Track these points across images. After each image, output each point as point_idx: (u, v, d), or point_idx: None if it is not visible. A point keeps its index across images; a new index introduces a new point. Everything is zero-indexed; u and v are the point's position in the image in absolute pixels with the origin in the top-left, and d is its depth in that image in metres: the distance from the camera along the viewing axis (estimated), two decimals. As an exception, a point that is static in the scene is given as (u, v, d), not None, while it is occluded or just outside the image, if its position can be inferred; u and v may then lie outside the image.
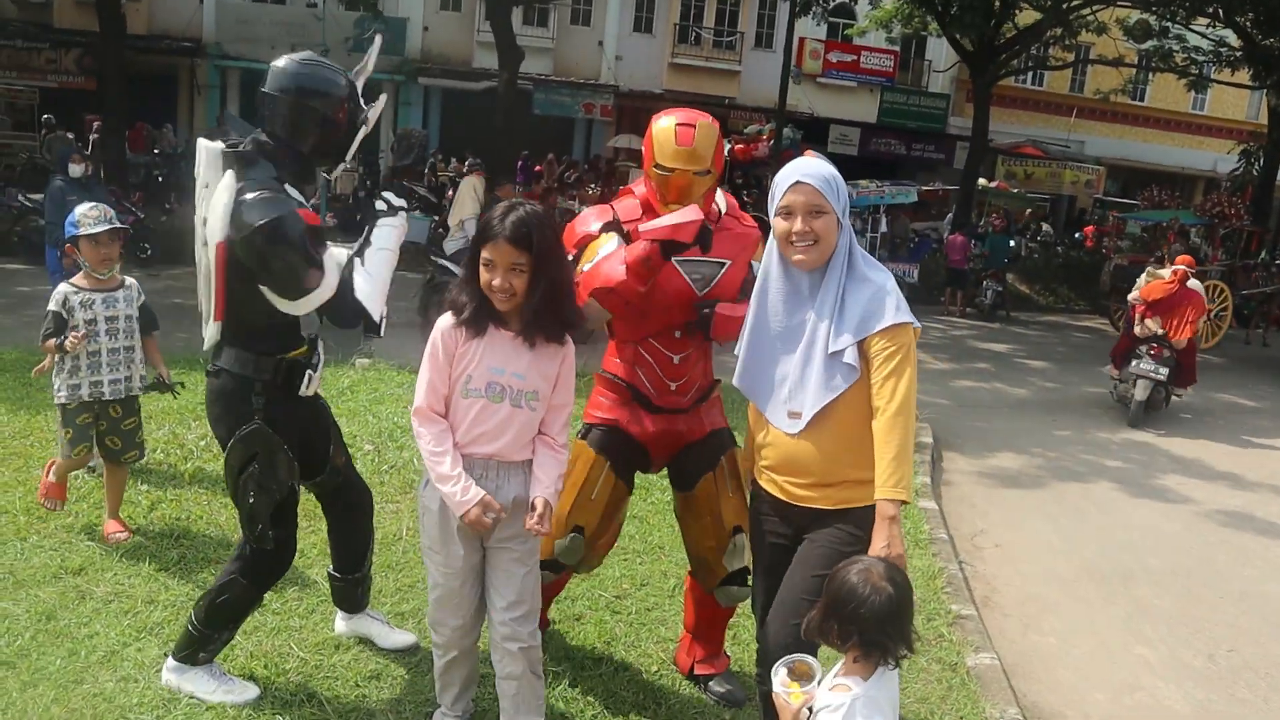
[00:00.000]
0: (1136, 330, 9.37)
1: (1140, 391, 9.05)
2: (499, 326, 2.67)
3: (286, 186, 2.92)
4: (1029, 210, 24.40)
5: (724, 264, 3.13)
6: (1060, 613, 4.85)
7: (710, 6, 26.39)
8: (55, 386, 4.23)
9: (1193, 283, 9.37)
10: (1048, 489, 6.90)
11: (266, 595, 3.24)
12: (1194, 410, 10.04)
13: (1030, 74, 27.87)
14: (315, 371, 3.08)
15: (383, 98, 3.26)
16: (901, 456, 2.44)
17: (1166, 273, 9.55)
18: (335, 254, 3.01)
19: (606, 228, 3.11)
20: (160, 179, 18.08)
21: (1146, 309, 9.34)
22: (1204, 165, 29.97)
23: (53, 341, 4.12)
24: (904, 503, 2.46)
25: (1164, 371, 9.03)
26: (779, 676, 2.20)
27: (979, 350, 12.96)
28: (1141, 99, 29.45)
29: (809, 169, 2.56)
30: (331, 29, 21.32)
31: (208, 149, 2.91)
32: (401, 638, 3.54)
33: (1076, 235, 24.77)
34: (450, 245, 10.02)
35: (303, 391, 3.04)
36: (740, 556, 3.26)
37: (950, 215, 20.79)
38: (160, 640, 3.40)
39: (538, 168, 21.04)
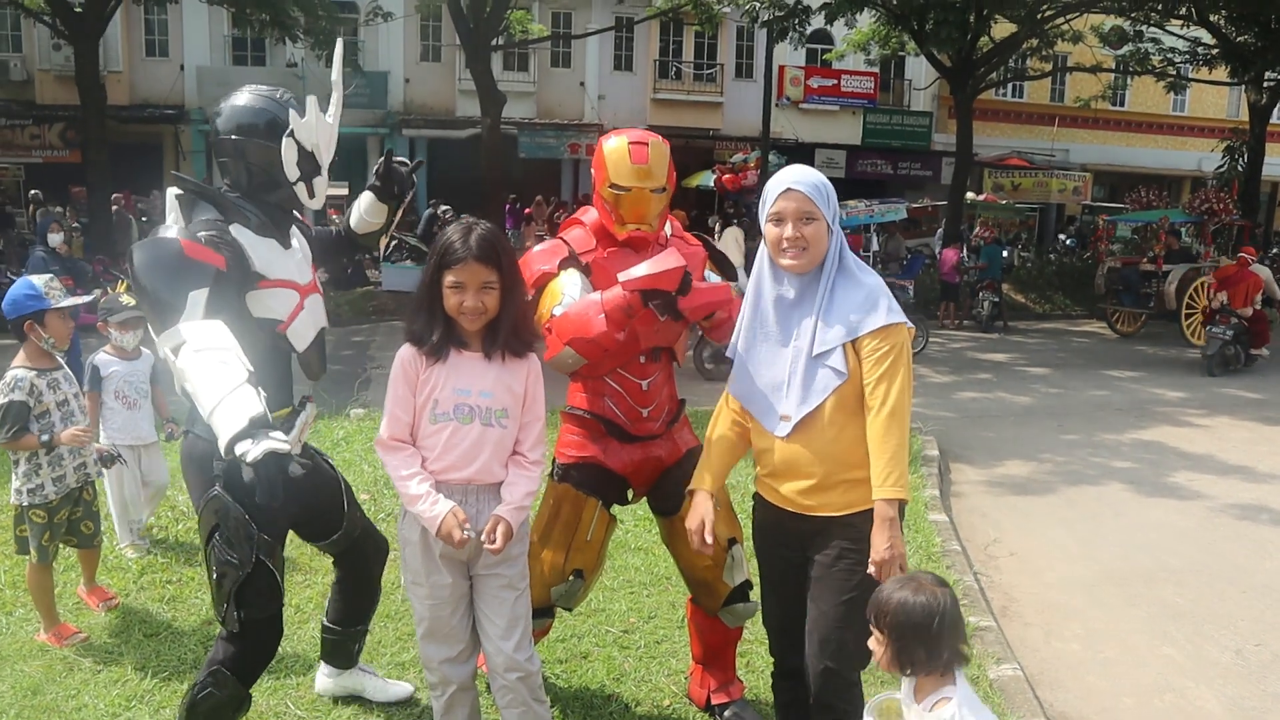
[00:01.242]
0: (1212, 304, 12.65)
1: (1210, 348, 11.96)
2: (460, 349, 2.62)
3: (234, 227, 2.72)
4: (1018, 220, 24.43)
5: None
6: (1082, 618, 4.71)
7: (689, 41, 26.60)
8: (22, 488, 3.80)
9: (1255, 266, 12.55)
10: (1059, 494, 6.78)
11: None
12: (1200, 405, 9.93)
13: (1010, 86, 28.03)
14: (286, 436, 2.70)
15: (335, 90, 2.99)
16: (897, 456, 2.45)
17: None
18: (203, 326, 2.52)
19: (564, 263, 3.04)
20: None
21: (1217, 286, 12.50)
22: (1188, 165, 30.07)
23: (34, 437, 3.69)
24: (903, 501, 2.45)
25: (1229, 334, 11.81)
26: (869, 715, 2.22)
27: (979, 361, 12.87)
28: (1122, 104, 29.61)
29: (799, 176, 2.57)
30: (313, 87, 21.38)
31: (169, 196, 2.81)
32: (398, 689, 3.41)
33: (1069, 242, 24.79)
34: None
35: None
36: (741, 569, 3.20)
37: (940, 230, 20.81)
38: (151, 709, 3.28)
39: (526, 210, 21.09)
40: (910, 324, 2.56)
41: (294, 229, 3.01)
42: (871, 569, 2.44)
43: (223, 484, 2.70)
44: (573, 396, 3.21)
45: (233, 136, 2.78)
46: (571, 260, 3.05)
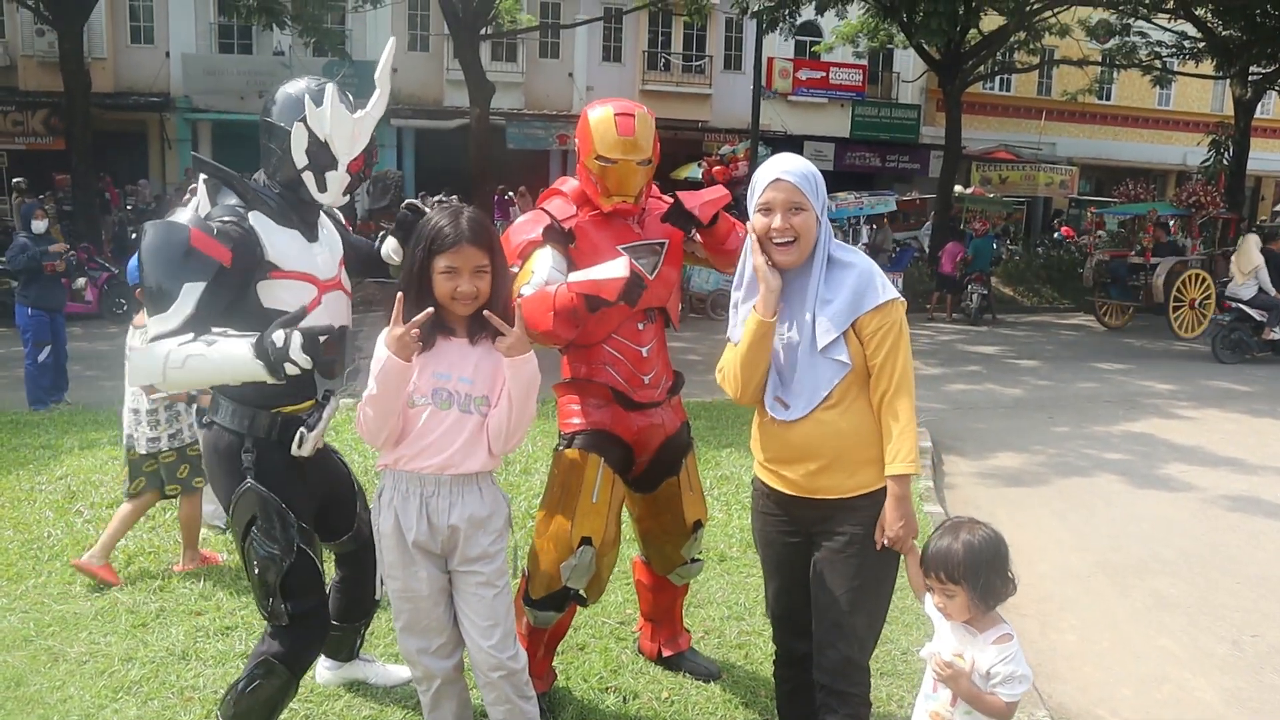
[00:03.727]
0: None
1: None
2: (446, 336, 2.57)
3: (253, 215, 2.68)
4: (1007, 214, 24.49)
5: (664, 244, 3.15)
6: (1077, 609, 4.70)
7: (677, 32, 26.51)
8: (160, 435, 4.35)
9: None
10: (1051, 485, 6.77)
11: (243, 644, 3.04)
12: (1189, 397, 9.95)
13: (998, 80, 28.10)
14: (313, 430, 2.74)
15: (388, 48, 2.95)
16: (906, 431, 2.46)
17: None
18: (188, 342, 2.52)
19: (548, 231, 3.00)
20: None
21: None
22: (1174, 159, 30.23)
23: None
24: (914, 475, 2.49)
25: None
26: (939, 658, 2.30)
27: (969, 354, 12.88)
28: (1108, 98, 29.73)
29: (788, 166, 2.51)
30: (300, 76, 21.23)
31: (199, 181, 2.77)
32: (399, 671, 3.36)
33: (1056, 235, 24.87)
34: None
35: (295, 451, 2.72)
36: (699, 545, 3.38)
37: (928, 224, 20.83)
38: (138, 700, 3.21)
39: (515, 202, 20.96)
40: (902, 299, 2.56)
41: (326, 222, 2.96)
42: (886, 542, 2.46)
43: (254, 475, 2.66)
44: (573, 369, 3.17)
45: (265, 118, 2.78)
46: (554, 229, 3.00)
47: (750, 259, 2.55)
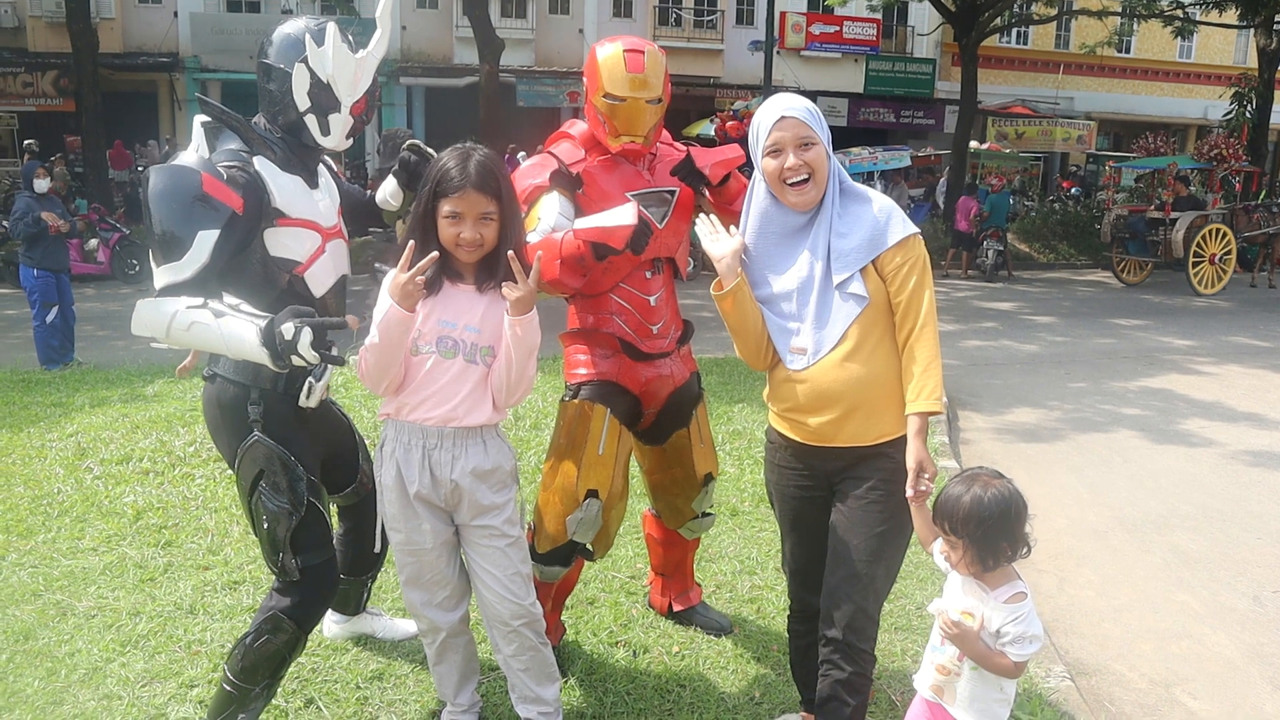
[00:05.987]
0: None
1: None
2: (454, 281, 2.49)
3: (257, 159, 2.60)
4: (1022, 169, 24.17)
5: (675, 191, 3.05)
6: (1095, 565, 4.63)
7: (689, -14, 26.12)
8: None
9: None
10: (1069, 441, 6.69)
11: (250, 598, 3.02)
12: (1208, 353, 9.82)
13: (1015, 33, 27.60)
14: (319, 380, 2.68)
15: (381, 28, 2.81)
16: (930, 368, 2.40)
17: None
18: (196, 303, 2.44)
19: (554, 176, 2.90)
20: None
21: None
22: (1195, 113, 29.73)
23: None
24: (936, 414, 2.42)
25: None
26: (945, 616, 2.20)
27: (985, 310, 12.74)
28: (1128, 51, 29.18)
29: (790, 103, 2.44)
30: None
31: (194, 123, 2.67)
32: (407, 625, 3.34)
33: (1074, 190, 24.54)
34: None
35: (302, 402, 2.66)
36: (710, 498, 3.32)
37: (943, 180, 20.56)
38: (145, 654, 3.19)
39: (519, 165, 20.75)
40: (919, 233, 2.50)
41: (324, 170, 2.87)
42: (910, 492, 2.38)
43: (261, 428, 2.59)
44: (580, 318, 3.09)
45: (262, 60, 2.67)
46: (561, 173, 2.91)
47: (750, 204, 2.52)
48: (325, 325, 2.30)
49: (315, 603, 2.67)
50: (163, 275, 2.43)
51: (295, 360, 2.30)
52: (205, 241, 2.42)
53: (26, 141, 18.64)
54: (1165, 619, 4.09)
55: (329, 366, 2.71)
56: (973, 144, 21.73)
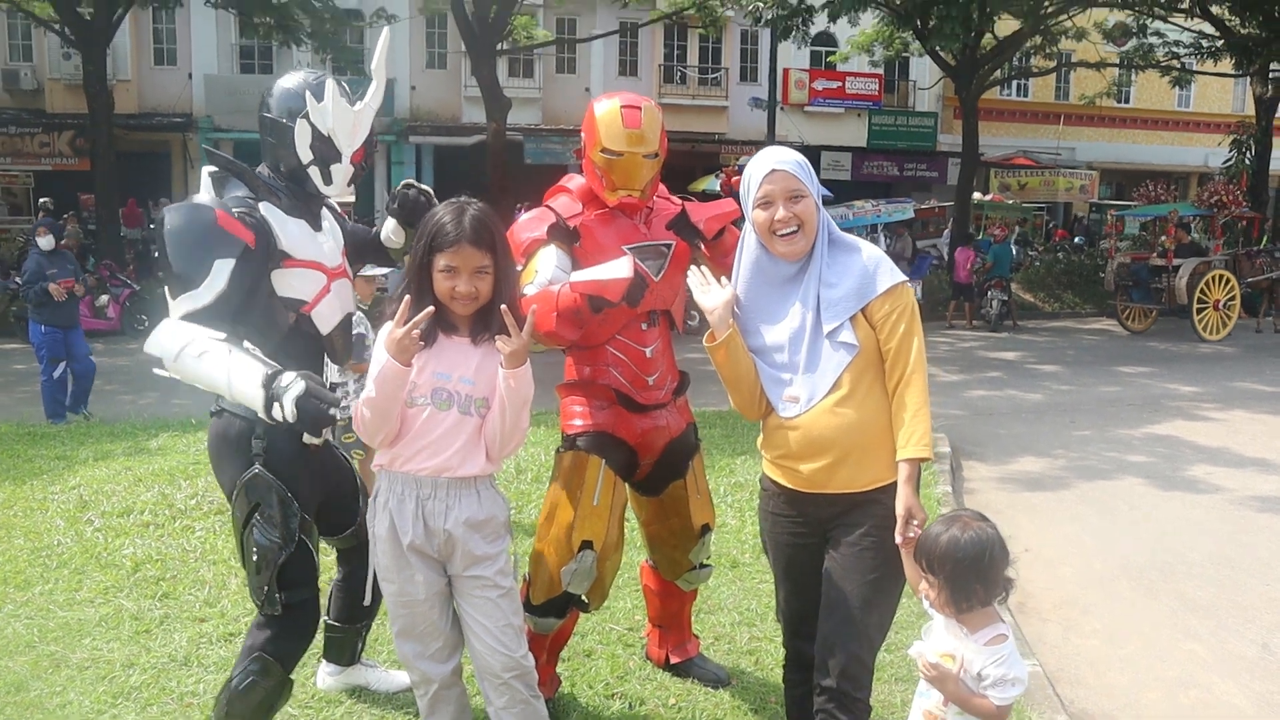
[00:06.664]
0: None
1: None
2: (449, 334, 2.51)
3: (264, 205, 2.69)
4: (1022, 219, 24.31)
5: (671, 244, 3.08)
6: (1101, 614, 4.58)
7: (693, 45, 26.54)
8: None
9: None
10: (1073, 489, 6.64)
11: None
12: (1214, 399, 9.78)
13: (1015, 85, 27.96)
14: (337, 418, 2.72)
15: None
16: (919, 414, 2.40)
17: None
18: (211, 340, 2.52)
19: (552, 229, 2.95)
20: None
21: None
22: (1195, 161, 29.91)
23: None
24: (925, 460, 2.43)
25: None
26: (924, 659, 2.21)
27: (989, 360, 12.73)
28: (1127, 101, 29.49)
29: (780, 156, 2.50)
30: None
31: (203, 174, 2.78)
32: (401, 677, 3.30)
33: (1077, 239, 24.65)
34: None
35: (307, 439, 2.70)
36: (707, 550, 3.30)
37: (948, 231, 20.69)
38: (138, 706, 3.17)
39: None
40: (910, 281, 2.55)
41: (326, 213, 2.98)
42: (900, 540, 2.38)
43: (263, 462, 2.63)
44: (575, 371, 3.11)
45: (264, 114, 2.78)
46: (559, 227, 2.95)
47: (742, 255, 2.56)
48: (319, 395, 2.38)
49: (296, 638, 2.70)
50: (181, 305, 2.54)
51: (275, 410, 2.36)
52: (223, 269, 2.54)
53: (41, 200, 18.93)
54: (1173, 668, 4.03)
55: (348, 405, 2.74)
56: (976, 195, 21.91)
